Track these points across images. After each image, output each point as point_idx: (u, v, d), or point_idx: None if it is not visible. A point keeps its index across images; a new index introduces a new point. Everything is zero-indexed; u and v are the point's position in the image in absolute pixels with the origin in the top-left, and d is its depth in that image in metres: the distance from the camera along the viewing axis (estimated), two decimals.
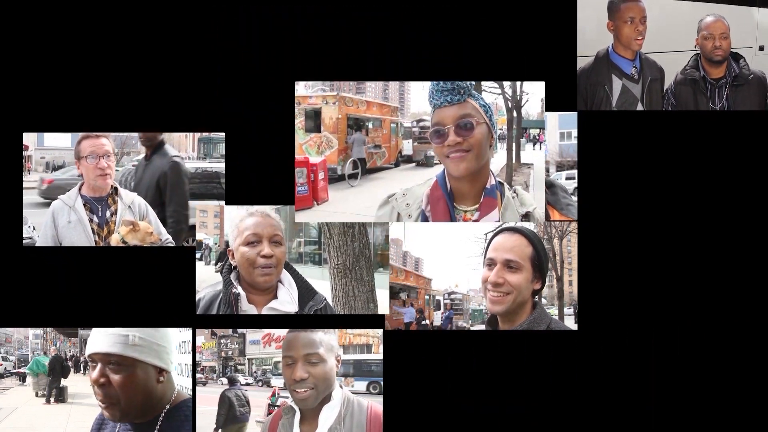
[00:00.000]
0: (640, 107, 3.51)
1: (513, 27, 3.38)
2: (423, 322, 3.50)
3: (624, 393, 3.43)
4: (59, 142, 3.44)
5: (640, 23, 3.47)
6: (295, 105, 2.69)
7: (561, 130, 3.45)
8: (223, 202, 3.30)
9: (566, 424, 3.37)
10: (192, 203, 3.38)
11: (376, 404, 3.10)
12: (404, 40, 3.32)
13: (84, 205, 3.34)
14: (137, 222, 3.31)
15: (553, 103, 3.38)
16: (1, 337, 3.54)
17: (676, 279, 3.38)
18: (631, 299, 3.38)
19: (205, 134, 3.38)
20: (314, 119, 2.75)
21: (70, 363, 3.47)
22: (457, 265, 3.43)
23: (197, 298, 3.11)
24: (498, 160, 2.67)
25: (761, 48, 3.56)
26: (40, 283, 3.36)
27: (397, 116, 2.86)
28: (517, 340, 3.30)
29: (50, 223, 3.32)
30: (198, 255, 3.34)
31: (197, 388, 3.35)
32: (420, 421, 3.37)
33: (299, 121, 2.70)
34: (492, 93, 2.72)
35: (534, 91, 2.78)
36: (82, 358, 3.45)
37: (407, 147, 2.91)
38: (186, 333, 3.33)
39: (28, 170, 3.47)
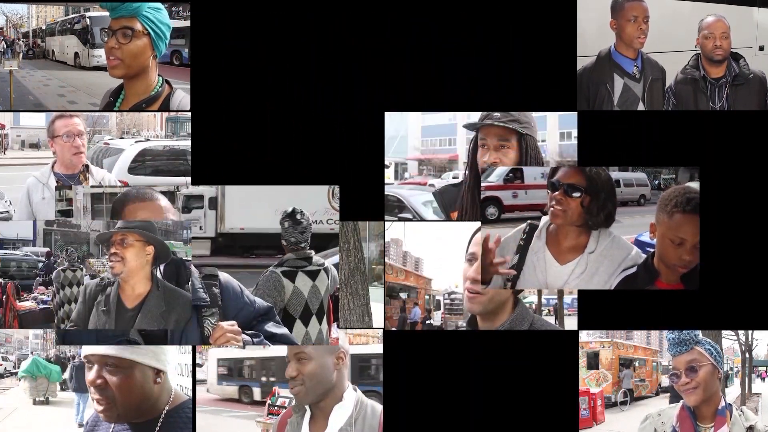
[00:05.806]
0: (641, 106, 3.51)
1: (513, 27, 3.39)
2: (427, 321, 3.49)
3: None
4: (34, 121, 3.51)
5: (643, 22, 3.48)
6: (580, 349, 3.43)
7: (561, 130, 3.46)
8: (189, 179, 3.40)
9: (566, 424, 3.37)
10: (158, 179, 3.53)
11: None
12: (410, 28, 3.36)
13: (57, 182, 3.39)
14: None
15: (553, 103, 3.38)
16: (1, 337, 3.52)
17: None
18: (631, 299, 3.38)
19: (172, 114, 3.51)
20: (594, 359, 3.52)
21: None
22: (457, 265, 3.43)
23: None
24: (733, 390, 3.53)
25: (761, 48, 3.57)
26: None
27: (657, 357, 3.61)
28: (519, 340, 3.29)
29: (25, 199, 3.39)
30: None
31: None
32: (420, 421, 3.37)
33: (582, 361, 3.45)
34: (729, 339, 3.46)
35: (762, 338, 3.52)
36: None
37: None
38: None
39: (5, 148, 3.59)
